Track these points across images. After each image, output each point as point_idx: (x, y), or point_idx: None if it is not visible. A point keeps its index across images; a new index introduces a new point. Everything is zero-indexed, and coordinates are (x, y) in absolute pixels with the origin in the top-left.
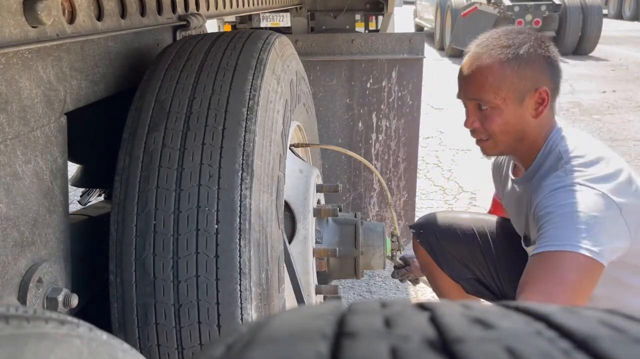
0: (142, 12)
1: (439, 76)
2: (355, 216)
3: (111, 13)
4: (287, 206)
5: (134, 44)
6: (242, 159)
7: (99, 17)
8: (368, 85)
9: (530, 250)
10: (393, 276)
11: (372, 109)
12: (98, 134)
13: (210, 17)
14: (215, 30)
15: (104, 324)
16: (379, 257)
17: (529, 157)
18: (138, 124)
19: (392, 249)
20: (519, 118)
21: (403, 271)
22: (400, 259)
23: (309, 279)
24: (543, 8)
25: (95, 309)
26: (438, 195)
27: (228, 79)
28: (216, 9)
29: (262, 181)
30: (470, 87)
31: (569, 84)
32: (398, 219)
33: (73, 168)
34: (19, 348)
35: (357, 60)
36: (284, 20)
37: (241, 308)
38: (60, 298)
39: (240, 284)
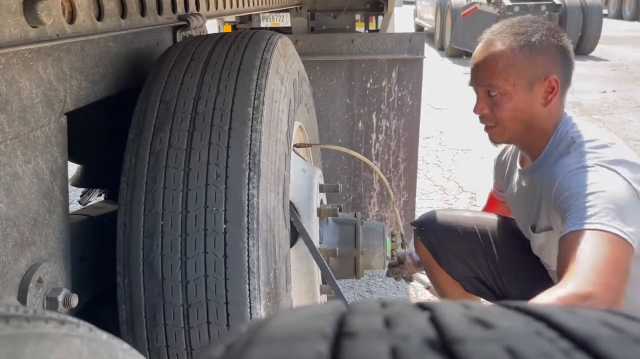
0: (142, 12)
1: (439, 76)
2: (355, 216)
3: (111, 13)
4: (291, 206)
5: (134, 44)
6: (249, 159)
7: (99, 17)
8: (368, 85)
9: (538, 235)
10: (387, 274)
11: (372, 109)
12: (98, 134)
13: (210, 17)
14: (215, 30)
15: (113, 325)
16: (379, 257)
17: (537, 146)
18: (143, 125)
19: (392, 249)
20: (528, 105)
21: (397, 269)
22: (394, 257)
23: (314, 279)
24: (543, 8)
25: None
26: (438, 195)
27: (233, 79)
28: (216, 9)
29: (269, 180)
30: (481, 73)
31: None
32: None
33: (73, 168)
34: (19, 348)
35: (357, 60)
36: (284, 20)
37: (250, 308)
38: (60, 298)
39: (249, 284)
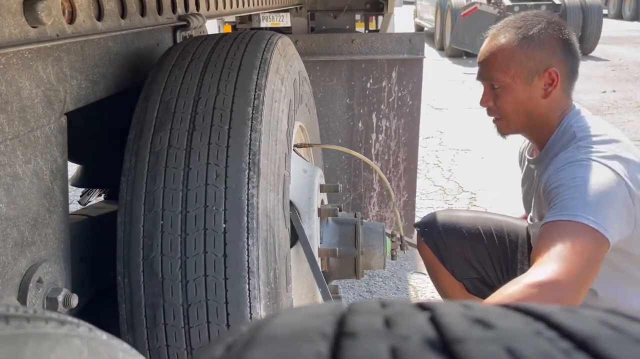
0: (142, 12)
1: (439, 76)
2: (355, 216)
3: (111, 13)
4: (292, 206)
5: (134, 44)
6: (249, 158)
7: (99, 17)
8: (368, 85)
9: (535, 225)
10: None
11: (372, 109)
12: (98, 134)
13: (210, 17)
14: (215, 30)
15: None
16: (379, 257)
17: (542, 138)
18: (143, 125)
19: (392, 249)
20: (528, 98)
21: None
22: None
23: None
24: (543, 8)
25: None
26: (438, 195)
27: (233, 79)
28: (216, 9)
29: (269, 180)
30: (483, 67)
31: None
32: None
33: (73, 168)
34: (19, 348)
35: (357, 60)
36: (284, 20)
37: (250, 307)
38: (60, 298)
39: (249, 284)
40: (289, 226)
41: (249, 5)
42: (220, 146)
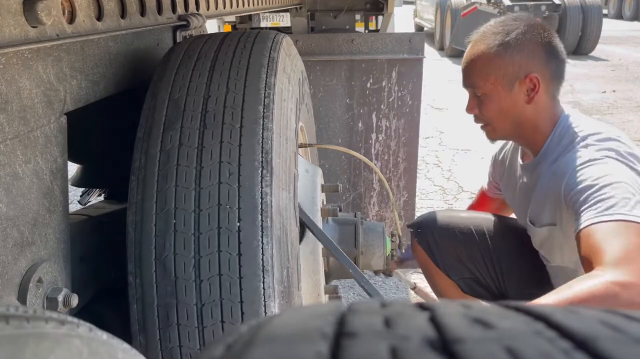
0: (142, 12)
1: (439, 76)
2: (355, 216)
3: (111, 13)
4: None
5: (134, 44)
6: (262, 157)
7: (99, 17)
8: (368, 85)
9: (537, 230)
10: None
11: (372, 109)
12: (98, 134)
13: (210, 17)
14: (215, 30)
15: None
16: (379, 257)
17: (535, 142)
18: (152, 123)
19: (392, 249)
20: (511, 104)
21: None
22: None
23: (319, 278)
24: (543, 8)
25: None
26: (438, 195)
27: (242, 77)
28: (216, 9)
29: (281, 179)
30: (465, 74)
31: (569, 84)
32: (398, 219)
33: (73, 168)
34: (19, 348)
35: (357, 60)
36: (284, 20)
37: (265, 306)
38: (60, 298)
39: (263, 282)
40: (298, 224)
41: (249, 5)
42: (233, 144)
